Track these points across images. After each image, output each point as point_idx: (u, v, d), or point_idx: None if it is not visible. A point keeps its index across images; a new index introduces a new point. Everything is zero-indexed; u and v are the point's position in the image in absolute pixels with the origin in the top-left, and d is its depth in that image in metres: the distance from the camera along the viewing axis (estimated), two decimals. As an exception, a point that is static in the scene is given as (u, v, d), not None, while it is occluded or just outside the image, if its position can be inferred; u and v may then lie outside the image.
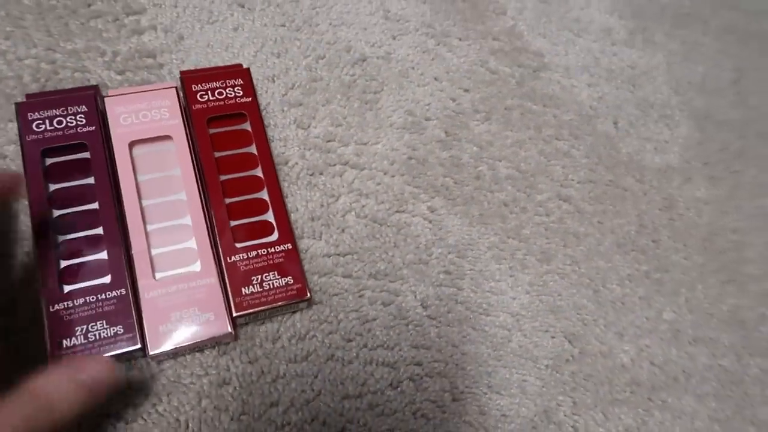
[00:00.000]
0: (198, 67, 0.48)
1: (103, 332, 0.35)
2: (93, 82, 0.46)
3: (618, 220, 0.52)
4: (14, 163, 0.42)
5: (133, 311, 0.36)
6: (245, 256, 0.40)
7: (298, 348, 0.41)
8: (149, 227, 0.39)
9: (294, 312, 0.42)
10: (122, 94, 0.43)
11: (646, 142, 0.56)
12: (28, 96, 0.42)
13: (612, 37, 0.61)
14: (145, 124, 0.42)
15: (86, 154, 0.40)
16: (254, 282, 0.39)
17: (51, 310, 0.35)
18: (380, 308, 0.43)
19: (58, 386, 0.28)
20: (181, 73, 0.45)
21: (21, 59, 0.45)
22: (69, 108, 0.41)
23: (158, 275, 0.38)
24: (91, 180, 0.40)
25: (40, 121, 0.40)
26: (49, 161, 0.40)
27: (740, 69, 0.64)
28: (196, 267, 0.39)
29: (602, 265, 0.49)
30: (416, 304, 0.44)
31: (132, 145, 0.41)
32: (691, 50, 0.64)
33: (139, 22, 0.49)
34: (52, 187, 0.39)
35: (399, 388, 0.41)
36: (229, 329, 0.38)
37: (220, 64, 0.49)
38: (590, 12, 0.62)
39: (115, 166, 0.40)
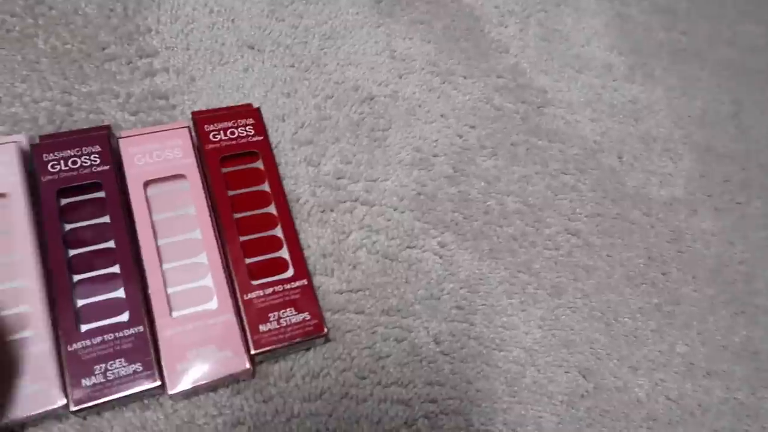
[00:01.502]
0: (210, 108, 0.49)
1: (122, 371, 0.35)
2: (107, 123, 0.47)
3: (627, 253, 0.52)
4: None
5: (152, 349, 0.36)
6: (261, 293, 0.40)
7: (312, 386, 0.41)
8: (165, 266, 0.40)
9: (308, 349, 0.42)
10: (136, 135, 0.43)
11: (650, 175, 0.57)
12: (42, 137, 0.42)
13: (613, 73, 0.63)
14: (159, 163, 0.42)
15: (101, 194, 0.41)
16: (271, 319, 0.39)
17: (69, 349, 0.35)
18: (393, 345, 0.43)
19: None
20: (193, 113, 0.46)
21: (37, 102, 0.46)
22: (83, 148, 0.41)
23: (175, 313, 0.38)
24: (106, 219, 0.40)
25: (55, 162, 0.40)
26: (64, 201, 0.40)
27: (739, 102, 0.66)
28: (213, 304, 0.39)
29: (613, 298, 0.49)
30: (429, 340, 0.44)
31: (147, 184, 0.42)
32: (689, 85, 0.65)
33: (152, 64, 0.50)
34: (68, 226, 0.39)
35: (414, 426, 0.41)
36: (248, 366, 0.38)
37: (231, 104, 0.50)
38: (591, 49, 0.63)
39: (131, 205, 0.40)
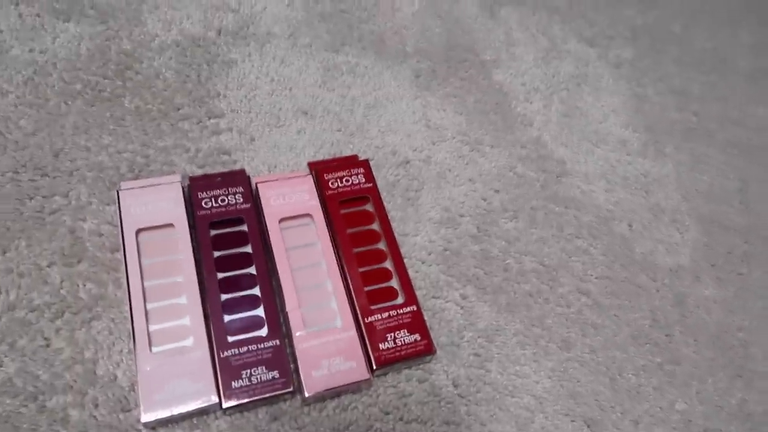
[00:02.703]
0: (266, 165, 0.57)
1: (263, 376, 0.43)
2: (178, 173, 0.54)
3: (633, 314, 0.57)
4: (108, 241, 0.49)
5: (288, 360, 0.45)
6: (380, 317, 0.48)
7: (341, 417, 0.46)
8: (299, 289, 0.48)
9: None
10: (269, 181, 0.53)
11: (658, 244, 0.62)
12: (191, 179, 0.51)
13: (627, 147, 0.69)
14: (290, 204, 0.52)
15: (244, 227, 0.50)
16: (389, 339, 0.47)
17: (221, 356, 0.43)
18: (416, 385, 0.48)
19: None
20: (310, 164, 0.55)
21: (120, 152, 0.53)
22: (229, 188, 0.51)
23: (308, 329, 0.46)
24: (248, 249, 0.49)
25: (207, 199, 0.50)
26: (213, 232, 0.49)
27: (744, 179, 0.71)
28: (338, 323, 0.47)
29: (618, 355, 0.54)
30: (448, 383, 0.49)
31: (281, 221, 0.51)
32: (698, 161, 0.71)
33: (218, 124, 0.57)
34: (216, 254, 0.48)
35: (431, 460, 0.45)
36: (369, 376, 0.45)
37: (284, 162, 0.57)
38: (607, 125, 0.70)
39: (268, 237, 0.49)
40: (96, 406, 0.42)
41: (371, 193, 0.54)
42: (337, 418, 0.46)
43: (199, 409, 0.42)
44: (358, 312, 0.48)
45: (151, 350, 0.43)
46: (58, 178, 0.51)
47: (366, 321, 0.47)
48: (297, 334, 0.46)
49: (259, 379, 0.43)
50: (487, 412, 0.48)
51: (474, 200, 0.59)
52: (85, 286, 0.47)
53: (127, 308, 0.45)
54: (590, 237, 0.60)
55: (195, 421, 0.43)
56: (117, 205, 0.48)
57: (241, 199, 0.50)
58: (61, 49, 0.57)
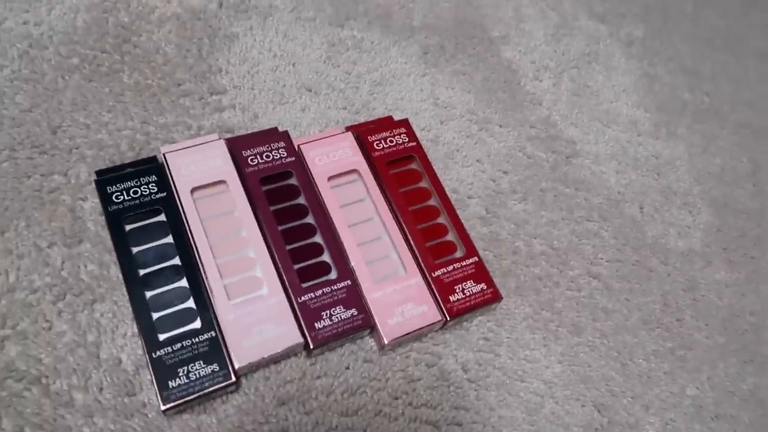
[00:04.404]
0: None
1: (343, 314, 0.45)
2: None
3: (644, 299, 0.56)
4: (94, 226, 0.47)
5: (361, 298, 0.46)
6: (445, 270, 0.49)
7: (350, 402, 0.45)
8: (359, 243, 0.49)
9: (347, 367, 0.46)
10: (311, 141, 0.53)
11: (669, 227, 0.61)
12: (227, 140, 0.51)
13: (638, 128, 0.67)
14: (336, 162, 0.52)
15: (293, 181, 0.51)
16: (457, 290, 0.48)
17: (299, 301, 0.45)
18: (424, 369, 0.47)
19: None
20: (348, 128, 0.55)
21: (120, 130, 0.52)
22: (271, 144, 0.51)
23: (376, 280, 0.48)
24: (302, 200, 0.50)
25: (252, 156, 0.50)
26: (264, 187, 0.50)
27: (756, 161, 0.70)
28: (402, 271, 0.49)
29: (629, 339, 0.53)
30: (457, 367, 0.48)
31: (329, 179, 0.51)
32: (710, 143, 0.69)
33: (221, 101, 0.56)
34: (272, 207, 0.49)
35: (441, 446, 0.45)
36: (442, 318, 0.47)
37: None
38: (618, 105, 0.68)
39: (321, 196, 0.50)
40: (101, 389, 0.41)
41: (417, 152, 0.54)
42: (345, 403, 0.45)
43: (287, 350, 0.43)
44: (424, 268, 0.49)
45: (229, 301, 0.44)
46: (56, 156, 0.49)
47: (433, 275, 0.48)
48: (365, 285, 0.47)
49: (339, 318, 0.45)
50: (496, 397, 0.48)
51: (483, 181, 0.58)
52: (86, 267, 0.45)
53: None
54: (601, 219, 0.59)
55: (203, 407, 0.42)
56: (161, 169, 0.48)
57: (285, 154, 0.51)
58: (58, 21, 0.55)
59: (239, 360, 0.42)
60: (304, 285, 0.46)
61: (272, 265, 0.46)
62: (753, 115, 0.74)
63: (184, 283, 0.44)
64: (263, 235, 0.47)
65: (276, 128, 0.54)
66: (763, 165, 0.70)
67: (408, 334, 0.46)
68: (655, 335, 0.54)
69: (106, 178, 0.47)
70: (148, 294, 0.43)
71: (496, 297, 0.49)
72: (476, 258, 0.50)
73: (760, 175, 0.69)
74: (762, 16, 0.86)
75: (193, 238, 0.46)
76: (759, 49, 0.82)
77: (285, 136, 0.52)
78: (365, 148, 0.53)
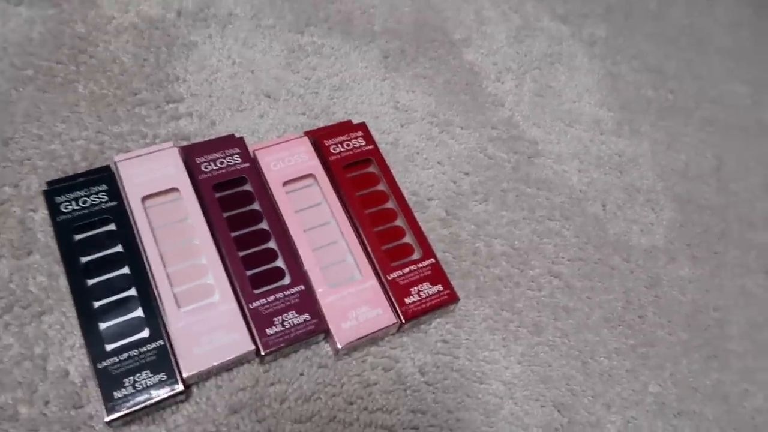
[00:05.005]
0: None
1: (296, 320, 0.45)
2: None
3: (606, 296, 0.55)
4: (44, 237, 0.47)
5: (316, 302, 0.46)
6: (400, 273, 0.49)
7: (304, 409, 0.45)
8: (314, 248, 0.49)
9: (301, 374, 0.46)
10: (266, 147, 0.52)
11: (632, 224, 0.61)
12: (182, 148, 0.51)
13: (601, 127, 0.67)
14: (291, 167, 0.52)
15: (247, 187, 0.50)
16: (413, 293, 0.48)
17: (251, 307, 0.45)
18: (381, 373, 0.47)
19: None
20: (306, 132, 0.55)
21: (74, 140, 0.51)
22: (225, 151, 0.51)
23: (329, 284, 0.47)
24: (256, 206, 0.50)
25: (206, 163, 0.50)
26: (218, 194, 0.49)
27: (720, 157, 0.70)
28: (357, 275, 0.49)
29: (591, 338, 0.53)
30: (415, 371, 0.48)
31: (284, 185, 0.51)
32: (674, 140, 0.69)
33: (177, 109, 0.55)
34: (226, 214, 0.48)
35: (396, 450, 0.44)
36: (397, 321, 0.47)
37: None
38: (581, 105, 0.68)
39: (276, 202, 0.50)
40: (47, 402, 0.41)
41: (374, 155, 0.54)
42: (299, 410, 0.44)
43: (237, 358, 0.43)
44: (379, 270, 0.48)
45: (179, 310, 0.44)
46: (8, 168, 0.49)
47: (388, 278, 0.48)
48: (319, 290, 0.46)
49: (292, 323, 0.44)
50: (454, 399, 0.47)
51: (443, 183, 0.58)
52: (35, 279, 0.45)
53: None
54: (562, 218, 0.59)
55: (153, 417, 0.42)
56: (113, 178, 0.48)
57: (240, 160, 0.51)
58: (12, 33, 0.55)
59: (188, 368, 0.42)
60: (257, 291, 0.46)
61: (224, 272, 0.46)
62: (718, 111, 0.74)
63: (133, 292, 0.44)
64: (216, 242, 0.47)
65: (232, 135, 0.53)
66: (728, 160, 0.70)
67: (362, 337, 0.45)
68: (617, 333, 0.54)
69: (55, 189, 0.46)
70: (96, 304, 0.43)
71: (453, 298, 0.49)
72: (433, 260, 0.50)
73: (724, 170, 0.69)
74: (726, 13, 0.86)
75: (143, 246, 0.45)
76: (723, 46, 0.82)
77: (240, 143, 0.52)
78: (321, 153, 0.53)
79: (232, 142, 0.52)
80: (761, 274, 0.62)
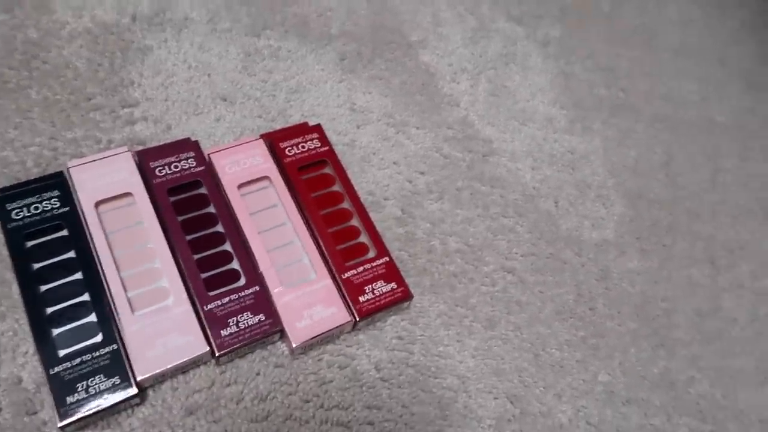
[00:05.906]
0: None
1: (250, 321, 0.45)
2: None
3: (557, 290, 0.57)
4: None
5: (271, 303, 0.47)
6: (355, 272, 0.50)
7: (260, 408, 0.45)
8: (268, 250, 0.49)
9: (258, 374, 0.46)
10: (221, 150, 0.53)
11: (584, 219, 0.63)
12: (138, 152, 0.51)
13: (554, 125, 0.69)
14: (246, 170, 0.52)
15: (202, 190, 0.51)
16: (367, 291, 0.49)
17: (205, 309, 0.45)
18: (337, 371, 0.48)
19: None
20: (262, 135, 0.55)
21: (26, 147, 0.51)
22: (180, 155, 0.51)
23: (284, 285, 0.48)
24: (211, 209, 0.50)
25: (160, 167, 0.50)
26: (173, 198, 0.50)
27: (669, 153, 0.72)
28: (312, 275, 0.49)
29: (542, 331, 0.55)
30: (370, 368, 0.49)
31: (239, 187, 0.51)
32: (625, 137, 0.71)
33: (132, 114, 0.56)
34: (180, 217, 0.49)
35: (352, 445, 0.45)
36: (351, 319, 0.48)
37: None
38: (535, 104, 0.70)
39: (231, 205, 0.50)
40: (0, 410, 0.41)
41: (329, 156, 0.55)
42: (255, 410, 0.45)
43: (192, 359, 0.43)
44: (334, 270, 0.49)
45: (133, 313, 0.44)
46: (-43, 176, 0.49)
47: (343, 277, 0.49)
48: (275, 291, 0.47)
49: (247, 324, 0.45)
50: (409, 394, 0.48)
51: (399, 183, 0.59)
52: (-13, 286, 0.45)
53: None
54: (516, 215, 0.61)
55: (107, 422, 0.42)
56: (65, 184, 0.48)
57: (194, 164, 0.51)
58: (-39, 40, 0.55)
59: (142, 371, 0.42)
60: (212, 293, 0.46)
61: (179, 275, 0.46)
62: (668, 108, 0.77)
63: (86, 297, 0.44)
64: (170, 245, 0.47)
65: (187, 138, 0.54)
66: (676, 156, 0.72)
67: (317, 336, 0.46)
68: (568, 325, 0.56)
69: (6, 195, 0.46)
70: (49, 310, 0.43)
71: (407, 295, 0.50)
72: (387, 258, 0.51)
73: (672, 165, 0.71)
74: (677, 13, 0.89)
75: (96, 251, 0.45)
76: (673, 44, 0.85)
77: (195, 146, 0.52)
78: (277, 155, 0.54)
79: (186, 145, 0.52)
80: (707, 265, 0.65)
